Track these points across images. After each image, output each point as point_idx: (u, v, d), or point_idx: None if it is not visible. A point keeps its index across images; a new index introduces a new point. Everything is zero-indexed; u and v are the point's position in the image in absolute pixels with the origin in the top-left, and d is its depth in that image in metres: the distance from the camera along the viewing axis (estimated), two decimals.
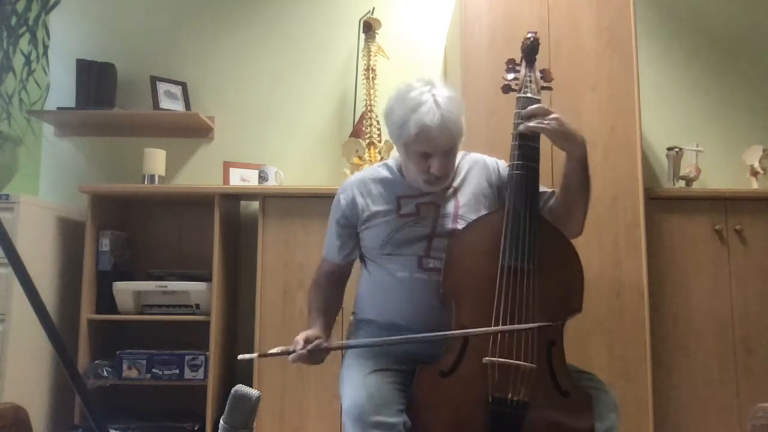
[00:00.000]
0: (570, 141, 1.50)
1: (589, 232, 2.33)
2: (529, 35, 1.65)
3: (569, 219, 1.57)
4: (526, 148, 1.52)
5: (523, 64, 1.65)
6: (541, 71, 1.66)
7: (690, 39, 3.02)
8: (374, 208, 1.60)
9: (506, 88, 1.64)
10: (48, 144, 2.98)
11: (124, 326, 2.66)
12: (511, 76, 1.65)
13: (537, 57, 1.66)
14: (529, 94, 1.58)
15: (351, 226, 1.64)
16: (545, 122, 1.48)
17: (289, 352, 1.45)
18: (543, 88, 1.65)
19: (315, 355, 1.46)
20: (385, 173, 1.66)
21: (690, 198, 2.56)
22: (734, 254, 2.51)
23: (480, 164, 1.68)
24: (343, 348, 1.66)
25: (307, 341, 1.46)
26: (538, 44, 1.65)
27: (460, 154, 1.66)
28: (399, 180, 1.63)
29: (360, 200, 1.62)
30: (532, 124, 1.50)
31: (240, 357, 1.44)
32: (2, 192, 2.40)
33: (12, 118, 2.54)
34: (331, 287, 1.70)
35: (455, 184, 1.63)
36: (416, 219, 1.57)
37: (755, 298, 2.49)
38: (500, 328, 1.38)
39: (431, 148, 1.49)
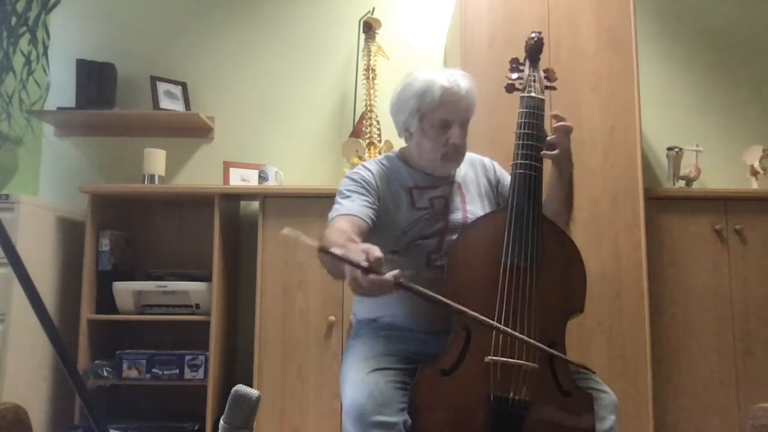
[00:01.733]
0: (570, 160, 1.55)
1: (589, 232, 2.35)
2: (533, 35, 1.65)
3: None
4: (530, 148, 1.52)
5: (527, 63, 1.65)
6: (545, 71, 1.66)
7: (690, 39, 3.02)
8: (392, 192, 1.59)
9: (510, 88, 1.64)
10: (48, 144, 2.98)
11: (124, 326, 2.66)
12: (515, 75, 1.64)
13: (541, 56, 1.66)
14: (533, 94, 1.58)
15: (376, 195, 1.55)
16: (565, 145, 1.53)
17: (353, 263, 1.14)
18: (547, 87, 1.64)
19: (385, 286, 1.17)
20: (390, 164, 1.65)
21: (690, 198, 2.56)
22: (734, 254, 2.51)
23: (477, 162, 1.72)
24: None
25: (370, 260, 1.14)
26: (543, 44, 1.65)
27: None
28: (406, 170, 1.63)
29: (380, 182, 1.59)
30: (554, 144, 1.52)
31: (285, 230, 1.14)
32: (2, 192, 2.40)
33: (12, 118, 2.55)
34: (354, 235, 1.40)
35: (458, 179, 1.65)
36: (431, 212, 1.57)
37: (755, 298, 2.49)
38: (522, 337, 1.35)
39: (453, 113, 1.53)
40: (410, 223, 1.55)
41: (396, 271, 1.16)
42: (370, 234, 1.48)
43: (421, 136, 1.57)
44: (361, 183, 1.57)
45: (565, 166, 1.55)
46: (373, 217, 1.51)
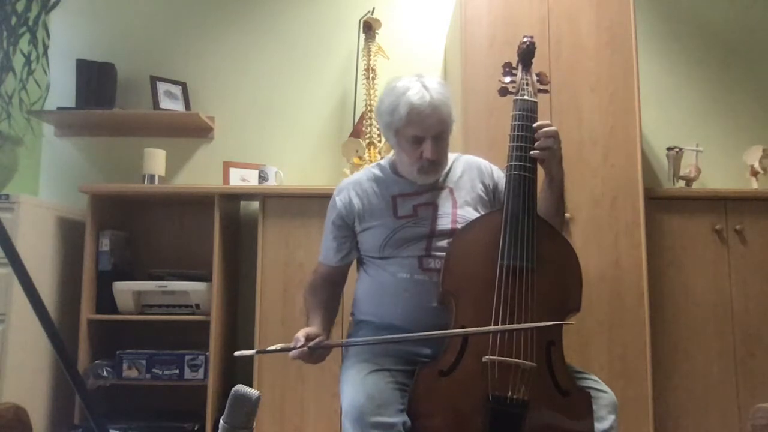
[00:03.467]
0: (560, 166, 1.55)
1: (589, 232, 2.35)
2: (525, 39, 1.67)
3: None
4: (523, 149, 1.53)
5: (520, 67, 1.67)
6: (538, 74, 1.67)
7: (690, 39, 3.02)
8: (371, 209, 1.61)
9: (503, 91, 1.65)
10: (48, 144, 2.98)
11: (124, 326, 2.66)
12: (507, 79, 1.66)
13: (533, 60, 1.68)
14: (526, 97, 1.59)
15: (348, 228, 1.64)
16: (556, 147, 1.52)
17: (289, 349, 1.44)
18: (539, 90, 1.66)
19: (316, 353, 1.46)
20: (378, 173, 1.67)
21: (690, 198, 2.56)
22: (734, 254, 2.51)
23: (474, 166, 1.70)
24: (345, 345, 1.66)
25: (308, 338, 1.45)
26: (535, 48, 1.67)
27: (453, 156, 1.68)
28: (393, 179, 1.64)
29: (356, 201, 1.63)
30: (543, 147, 1.51)
31: (237, 354, 1.42)
32: (2, 192, 2.40)
33: (12, 118, 2.54)
34: (327, 290, 1.68)
35: (450, 184, 1.64)
36: (414, 220, 1.57)
37: (755, 298, 2.49)
38: (500, 327, 1.37)
39: (422, 130, 1.52)
40: (391, 231, 1.57)
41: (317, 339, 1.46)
42: (348, 267, 1.71)
43: (398, 149, 1.60)
44: (332, 219, 1.67)
45: (554, 170, 1.54)
46: (340, 254, 1.67)
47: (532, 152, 1.52)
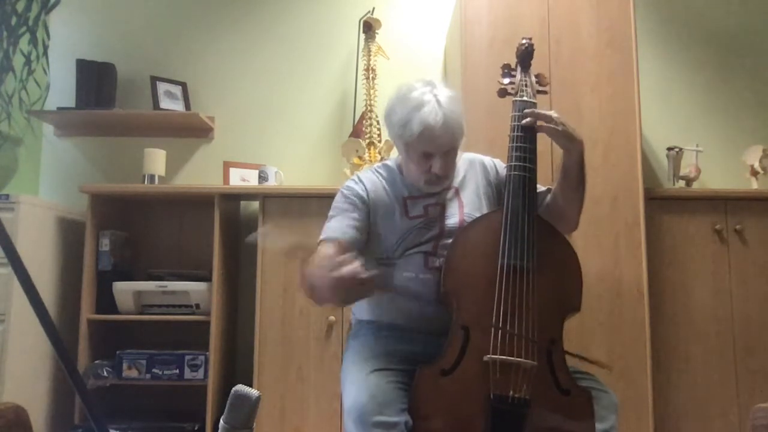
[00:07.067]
0: (572, 140, 1.53)
1: (589, 232, 2.35)
2: (524, 41, 1.68)
3: (566, 215, 1.58)
4: (523, 149, 1.54)
5: (519, 69, 1.68)
6: (537, 76, 1.68)
7: (690, 39, 3.02)
8: (383, 206, 1.60)
9: (502, 92, 1.66)
10: (48, 144, 2.98)
11: (124, 326, 2.66)
12: (506, 80, 1.67)
13: (532, 62, 1.68)
14: (525, 98, 1.60)
15: (365, 211, 1.58)
16: (553, 124, 1.51)
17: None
18: (538, 92, 1.67)
19: (364, 288, 1.26)
20: (387, 174, 1.66)
21: (690, 198, 2.56)
22: (734, 254, 2.51)
23: (478, 163, 1.71)
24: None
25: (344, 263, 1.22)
26: (533, 49, 1.68)
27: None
28: (402, 180, 1.64)
29: (372, 192, 1.61)
30: (543, 125, 1.51)
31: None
32: (2, 192, 2.40)
33: (12, 118, 2.54)
34: None
35: (456, 184, 1.64)
36: (425, 220, 1.57)
37: (755, 298, 2.49)
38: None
39: (433, 148, 1.51)
40: (404, 232, 1.56)
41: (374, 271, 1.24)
42: (356, 250, 1.49)
43: (406, 159, 1.58)
44: (350, 199, 1.59)
45: (564, 143, 1.52)
46: (357, 234, 1.54)
47: (538, 126, 1.52)
